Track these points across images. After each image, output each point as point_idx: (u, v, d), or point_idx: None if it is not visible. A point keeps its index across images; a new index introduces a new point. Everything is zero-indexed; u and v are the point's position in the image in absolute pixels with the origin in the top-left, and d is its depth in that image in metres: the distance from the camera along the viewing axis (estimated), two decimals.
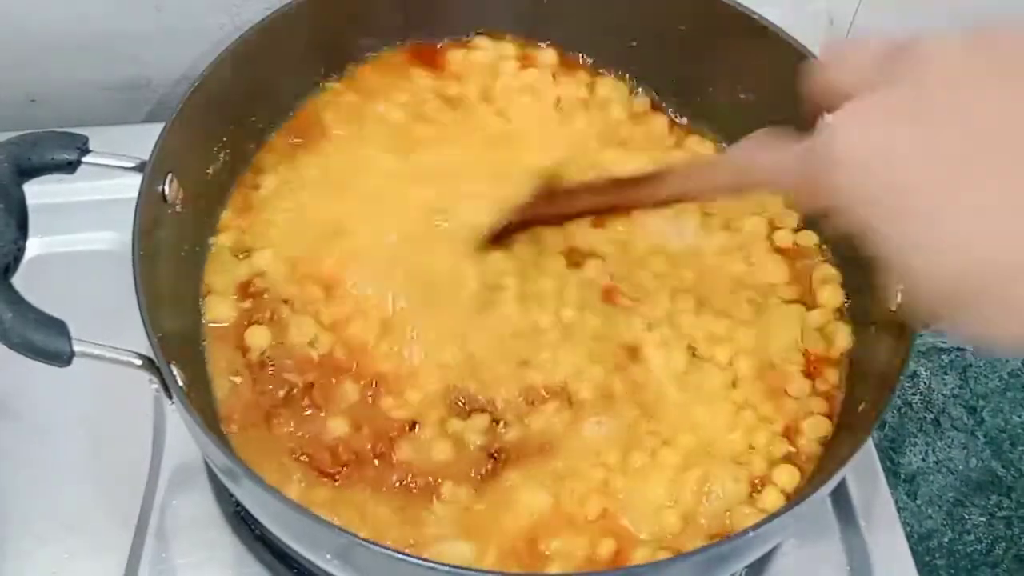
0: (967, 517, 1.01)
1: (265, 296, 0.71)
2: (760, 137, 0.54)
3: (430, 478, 0.65)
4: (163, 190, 0.66)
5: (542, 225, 0.72)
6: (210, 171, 0.73)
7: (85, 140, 0.64)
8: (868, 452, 0.76)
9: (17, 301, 0.57)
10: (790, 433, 0.67)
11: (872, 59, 0.46)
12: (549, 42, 0.83)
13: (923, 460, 1.02)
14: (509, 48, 0.83)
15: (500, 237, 0.71)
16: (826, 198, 0.45)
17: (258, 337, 0.69)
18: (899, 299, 0.65)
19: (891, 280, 0.45)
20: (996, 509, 1.01)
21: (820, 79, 0.48)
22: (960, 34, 0.44)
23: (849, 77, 0.46)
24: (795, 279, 0.74)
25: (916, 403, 1.07)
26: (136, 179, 0.64)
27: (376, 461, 0.65)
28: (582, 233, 0.74)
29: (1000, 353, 0.43)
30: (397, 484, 0.64)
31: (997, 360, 1.10)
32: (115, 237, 0.81)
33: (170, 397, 0.59)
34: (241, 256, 0.72)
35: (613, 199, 0.66)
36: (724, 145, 0.80)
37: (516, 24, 0.83)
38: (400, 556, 0.54)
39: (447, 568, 0.53)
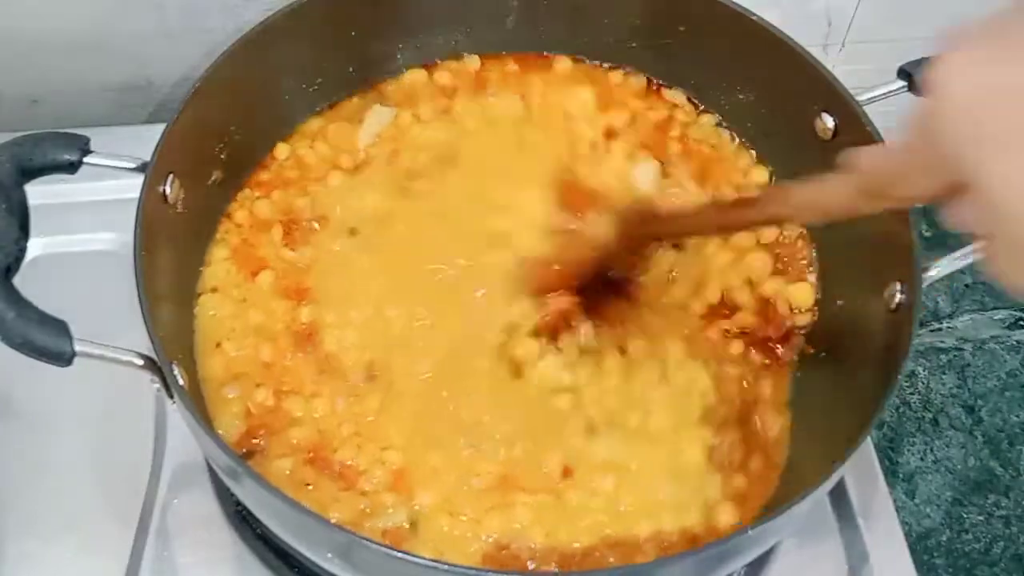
0: (965, 516, 1.01)
1: None
2: (869, 148, 0.53)
3: None
4: (164, 191, 0.66)
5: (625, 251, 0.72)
6: (212, 177, 0.74)
7: (86, 141, 0.64)
8: (866, 451, 0.76)
9: (19, 301, 0.57)
10: None
11: (991, 22, 0.44)
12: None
13: (921, 459, 1.03)
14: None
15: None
16: (939, 152, 0.43)
17: None
18: (898, 299, 0.65)
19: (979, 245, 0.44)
20: (994, 508, 1.01)
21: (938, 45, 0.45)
22: None
23: (960, 35, 0.44)
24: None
25: (914, 403, 1.07)
26: (137, 180, 0.64)
27: None
28: None
29: None
30: None
31: (995, 360, 1.10)
32: (116, 237, 0.82)
33: (171, 397, 0.59)
34: None
35: (718, 220, 0.67)
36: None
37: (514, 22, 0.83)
38: (400, 554, 0.54)
39: (447, 566, 0.53)
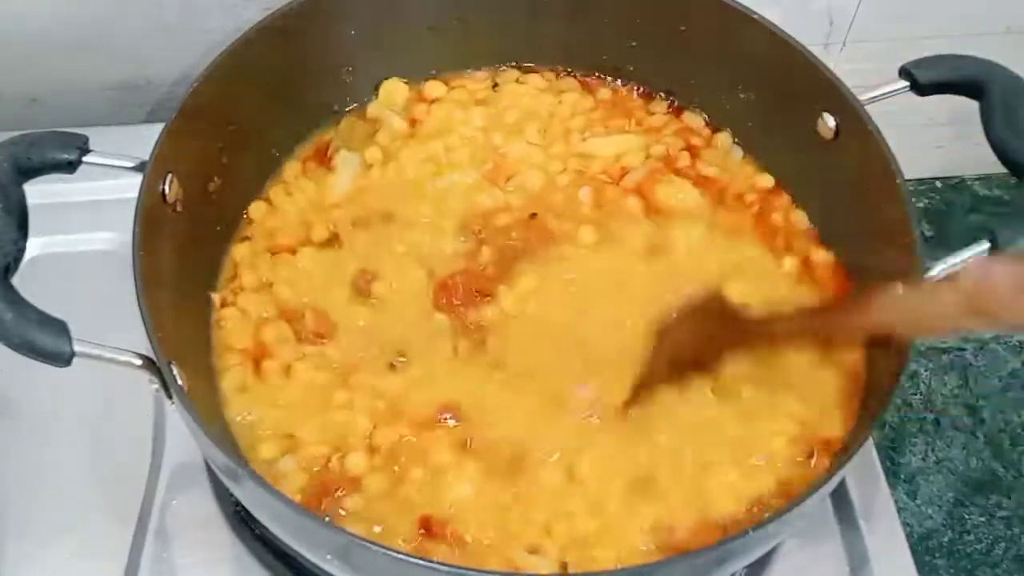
0: (967, 517, 1.00)
1: None
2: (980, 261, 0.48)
3: None
4: (163, 190, 0.66)
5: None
6: (213, 181, 0.73)
7: (85, 140, 0.64)
8: (868, 452, 0.76)
9: (17, 301, 0.57)
10: None
11: None
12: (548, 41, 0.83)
13: (923, 460, 1.02)
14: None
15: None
16: None
17: None
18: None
19: None
20: (996, 509, 1.01)
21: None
22: None
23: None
24: None
25: (916, 403, 1.06)
26: (136, 179, 0.64)
27: None
28: None
29: None
30: None
31: (997, 360, 1.09)
32: (115, 237, 0.81)
33: (170, 397, 0.59)
34: None
35: (812, 326, 0.62)
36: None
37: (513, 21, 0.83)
38: (400, 556, 0.54)
39: (447, 568, 0.53)
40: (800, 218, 0.78)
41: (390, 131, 0.81)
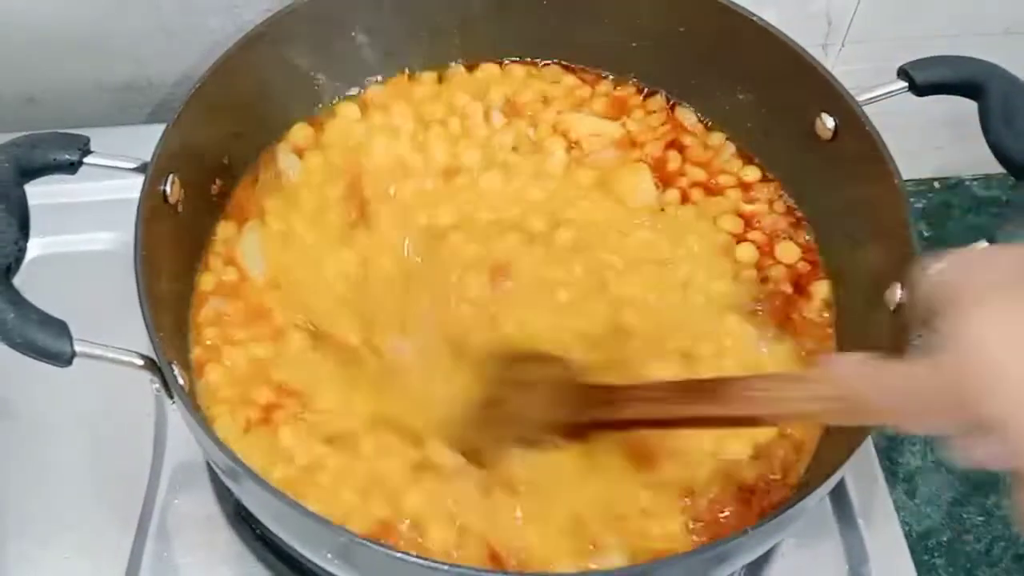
0: (966, 516, 1.00)
1: None
2: (858, 357, 0.46)
3: None
4: (164, 191, 0.66)
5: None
6: (215, 183, 0.73)
7: (86, 141, 0.64)
8: (867, 451, 0.76)
9: (19, 301, 0.57)
10: None
11: (1005, 264, 0.41)
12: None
13: (922, 459, 1.02)
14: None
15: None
16: (969, 412, 0.40)
17: None
18: (898, 300, 0.65)
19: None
20: (995, 508, 1.01)
21: (942, 283, 0.41)
22: None
23: (977, 280, 0.40)
24: None
25: None
26: (137, 180, 0.64)
27: None
28: None
29: None
30: None
31: None
32: (117, 238, 0.82)
33: (171, 397, 0.59)
34: None
35: (667, 411, 0.56)
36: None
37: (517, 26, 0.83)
38: (400, 555, 0.54)
39: (447, 567, 0.53)
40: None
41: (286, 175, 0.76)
